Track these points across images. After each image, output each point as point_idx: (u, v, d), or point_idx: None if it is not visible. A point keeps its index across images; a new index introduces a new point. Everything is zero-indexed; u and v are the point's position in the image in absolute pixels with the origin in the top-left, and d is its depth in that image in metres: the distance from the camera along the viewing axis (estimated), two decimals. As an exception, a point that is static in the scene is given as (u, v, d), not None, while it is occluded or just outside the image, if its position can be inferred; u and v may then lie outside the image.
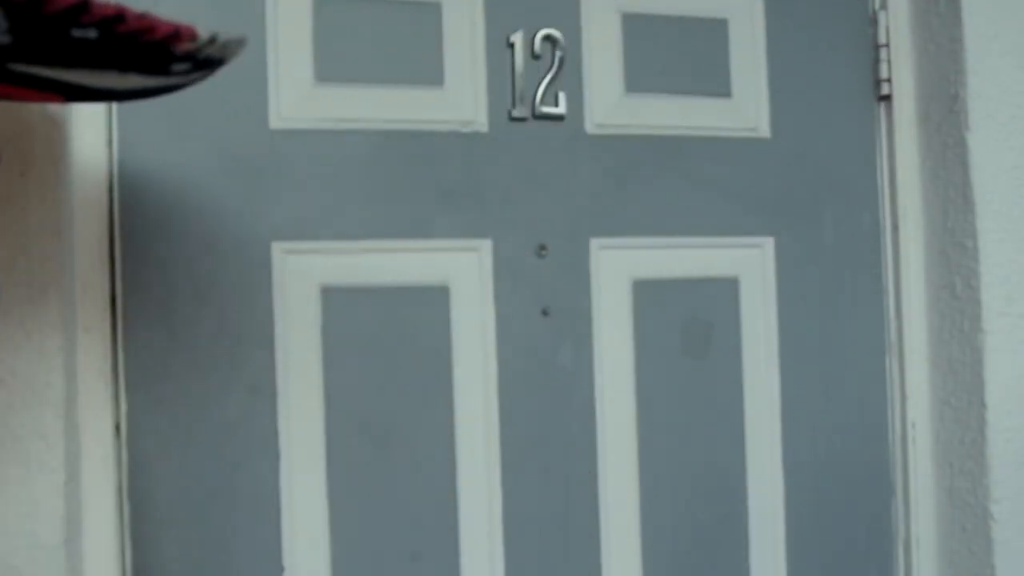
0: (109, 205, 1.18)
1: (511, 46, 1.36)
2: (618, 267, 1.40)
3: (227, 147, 1.25)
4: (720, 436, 1.43)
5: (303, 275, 1.29)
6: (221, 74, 1.25)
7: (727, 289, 1.44)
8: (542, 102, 1.37)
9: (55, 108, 1.08)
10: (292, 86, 1.28)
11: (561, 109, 1.38)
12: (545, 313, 1.37)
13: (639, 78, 1.42)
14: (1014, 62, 1.45)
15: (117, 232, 1.20)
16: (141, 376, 1.21)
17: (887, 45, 1.50)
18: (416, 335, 1.32)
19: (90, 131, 1.18)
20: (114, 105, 1.20)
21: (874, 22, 1.51)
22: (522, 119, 1.37)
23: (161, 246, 1.22)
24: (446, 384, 1.33)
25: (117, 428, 1.16)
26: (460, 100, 1.35)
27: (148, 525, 1.21)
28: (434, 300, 1.33)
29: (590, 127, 1.39)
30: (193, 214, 1.24)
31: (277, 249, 1.27)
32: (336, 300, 1.29)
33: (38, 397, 1.07)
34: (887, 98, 1.50)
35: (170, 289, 1.23)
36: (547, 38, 1.38)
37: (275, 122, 1.28)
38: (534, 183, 1.37)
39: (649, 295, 1.41)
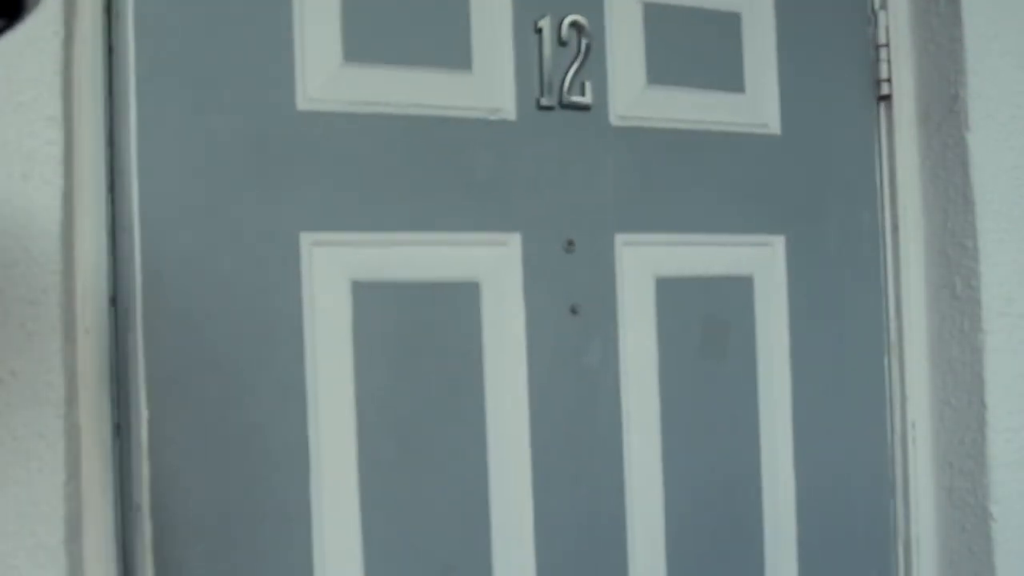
0: (110, 205, 1.18)
1: (539, 31, 1.34)
2: (643, 264, 1.40)
3: (253, 128, 1.20)
4: (737, 438, 1.46)
5: (333, 269, 1.23)
6: (246, 50, 1.19)
7: (742, 288, 1.47)
8: (569, 91, 1.35)
9: (56, 111, 1.07)
10: (319, 65, 1.23)
11: (588, 99, 1.36)
12: (574, 311, 1.35)
13: (660, 70, 1.42)
14: (1014, 62, 1.46)
15: (117, 232, 1.19)
16: (164, 379, 1.14)
17: (887, 45, 1.51)
18: (447, 334, 1.28)
19: (91, 133, 1.17)
20: (134, 90, 1.15)
21: (874, 22, 1.51)
22: (549, 108, 1.34)
23: (184, 234, 1.16)
24: (477, 386, 1.30)
25: (117, 428, 1.16)
26: (488, 86, 1.32)
27: (173, 542, 1.15)
28: (464, 297, 1.30)
29: (613, 118, 1.39)
30: (218, 200, 1.18)
31: (306, 240, 1.22)
32: (367, 296, 1.24)
33: (38, 397, 1.07)
34: (887, 98, 1.52)
35: (193, 282, 1.16)
36: (573, 24, 1.36)
37: (303, 103, 1.22)
38: (562, 175, 1.35)
39: (672, 293, 1.42)
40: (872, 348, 1.54)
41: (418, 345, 1.26)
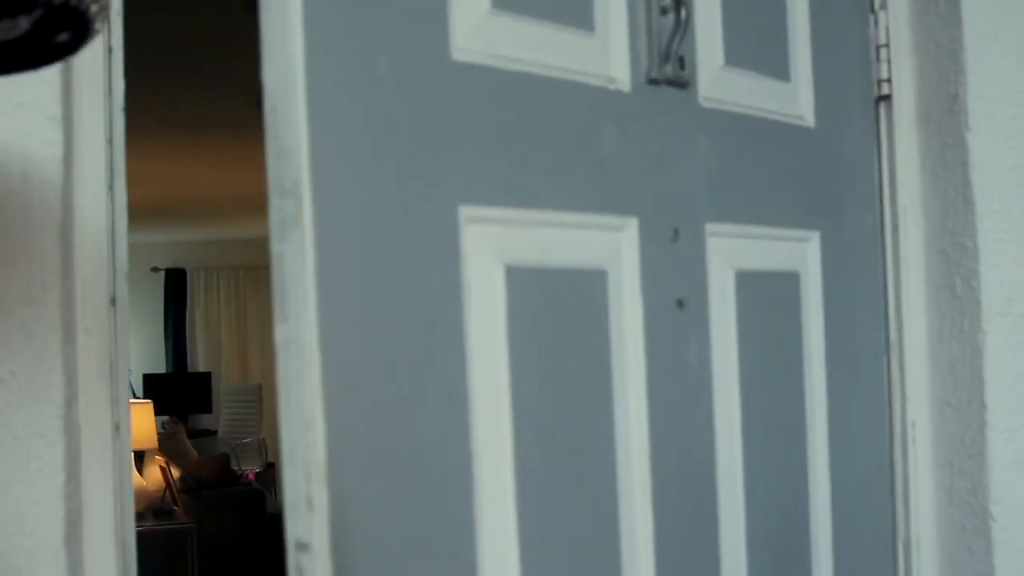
0: (110, 203, 1.18)
1: (648, -4, 1.24)
2: (726, 256, 1.32)
3: (414, 78, 1.01)
4: (794, 438, 1.42)
5: (487, 250, 1.05)
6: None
7: (793, 284, 1.43)
8: (672, 65, 1.24)
9: (56, 111, 1.08)
10: (469, 9, 1.06)
11: (686, 75, 1.26)
12: (680, 305, 1.25)
13: (734, 50, 1.34)
14: (1014, 62, 1.47)
15: (116, 231, 1.19)
16: (339, 384, 0.92)
17: (887, 45, 1.51)
18: (581, 329, 1.15)
19: (91, 133, 1.17)
20: (302, 30, 0.90)
21: (874, 22, 1.51)
22: (656, 82, 1.23)
23: (352, 204, 0.95)
24: (606, 388, 1.17)
25: (117, 428, 1.16)
26: (607, 51, 1.19)
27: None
28: (594, 286, 1.16)
29: (701, 98, 1.30)
30: (382, 162, 0.98)
31: (463, 215, 1.03)
32: (519, 284, 1.07)
33: (38, 397, 1.08)
34: (887, 98, 1.51)
35: (361, 265, 0.96)
36: (673, -7, 1.26)
37: (457, 52, 1.04)
38: (668, 157, 1.25)
39: (747, 287, 1.34)
40: (874, 348, 1.54)
41: (559, 342, 1.12)
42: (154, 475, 5.80)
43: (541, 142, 1.12)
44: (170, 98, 4.35)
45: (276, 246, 0.90)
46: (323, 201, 0.91)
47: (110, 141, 1.19)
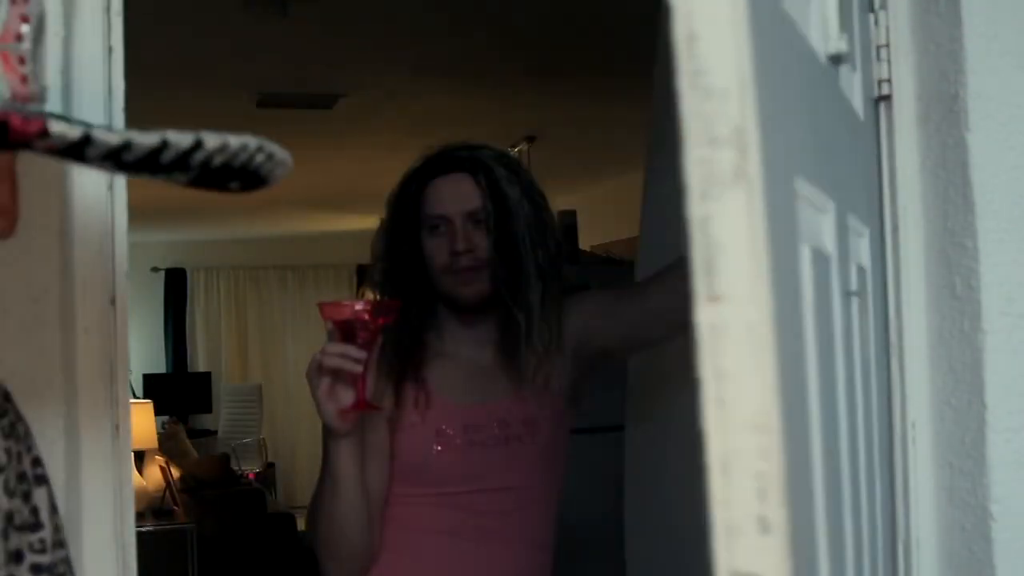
0: (110, 203, 1.18)
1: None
2: (851, 249, 1.26)
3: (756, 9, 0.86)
4: (868, 435, 1.38)
5: (801, 228, 0.93)
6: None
7: (864, 280, 1.40)
8: (845, 40, 1.15)
9: (56, 109, 1.07)
10: None
11: (847, 53, 1.19)
12: (849, 295, 1.17)
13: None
14: (1014, 62, 1.47)
15: (116, 231, 1.19)
16: (785, 382, 0.73)
17: (887, 45, 1.50)
18: (825, 318, 1.05)
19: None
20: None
21: (874, 22, 1.51)
22: (832, 58, 1.15)
23: (770, 160, 0.78)
24: (833, 382, 1.08)
25: (117, 428, 1.17)
26: (810, 17, 1.10)
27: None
28: (826, 271, 1.07)
29: (840, 82, 1.25)
30: (767, 116, 0.81)
31: (798, 188, 0.91)
32: (815, 269, 0.96)
33: (38, 397, 1.07)
34: (887, 98, 1.51)
35: (776, 232, 0.80)
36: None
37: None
38: (837, 139, 1.19)
39: (859, 283, 1.31)
40: (877, 347, 1.53)
41: (822, 334, 1.01)
42: (154, 475, 5.81)
43: (804, 109, 1.01)
44: (170, 98, 4.36)
45: (700, 208, 0.72)
46: (766, 152, 0.75)
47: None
